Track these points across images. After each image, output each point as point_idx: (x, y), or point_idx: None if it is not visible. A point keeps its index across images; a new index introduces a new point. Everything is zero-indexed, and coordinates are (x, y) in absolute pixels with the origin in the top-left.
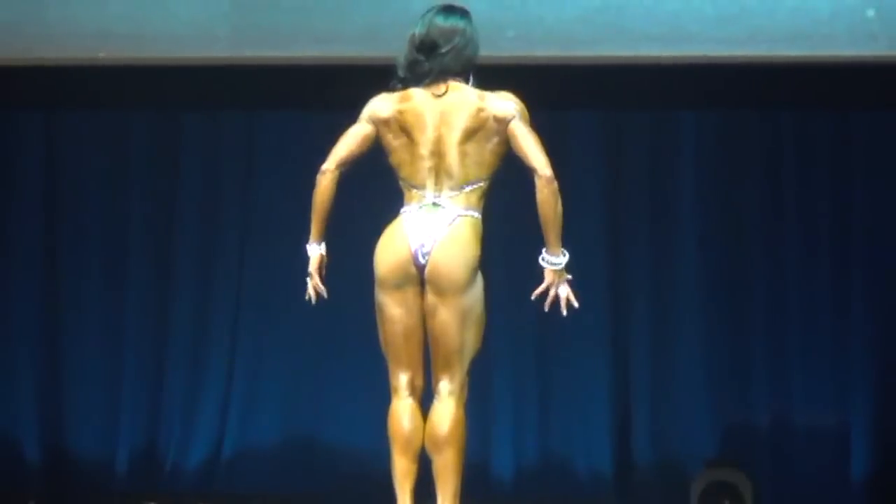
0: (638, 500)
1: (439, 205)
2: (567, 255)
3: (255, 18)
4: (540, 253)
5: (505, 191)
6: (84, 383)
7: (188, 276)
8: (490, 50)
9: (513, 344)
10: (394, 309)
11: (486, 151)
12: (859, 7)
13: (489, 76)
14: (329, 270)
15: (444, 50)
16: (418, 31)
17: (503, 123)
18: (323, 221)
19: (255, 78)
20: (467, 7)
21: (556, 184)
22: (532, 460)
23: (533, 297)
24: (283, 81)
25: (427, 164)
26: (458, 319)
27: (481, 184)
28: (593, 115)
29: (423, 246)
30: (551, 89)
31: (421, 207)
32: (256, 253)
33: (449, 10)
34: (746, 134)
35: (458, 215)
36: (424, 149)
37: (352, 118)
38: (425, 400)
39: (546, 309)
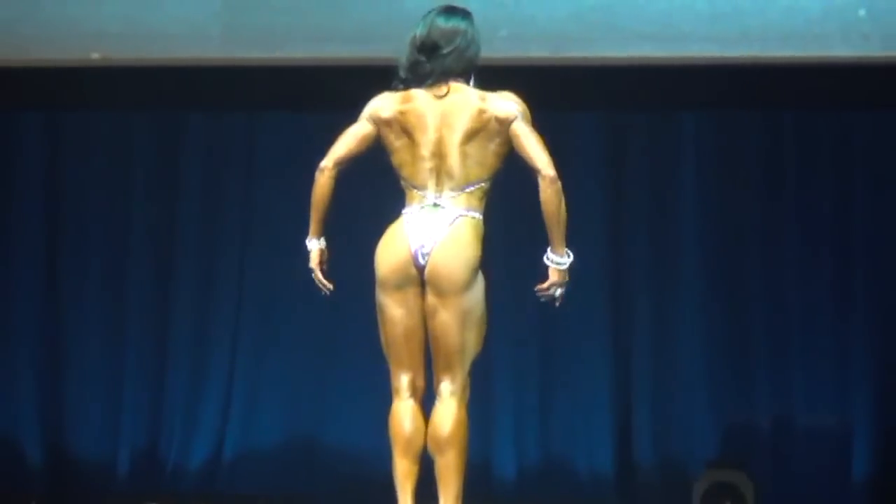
0: (639, 501)
1: (440, 205)
2: (571, 256)
3: (247, 18)
4: (543, 253)
5: (507, 191)
6: (85, 384)
7: (189, 276)
8: (483, 49)
9: (514, 345)
10: (394, 310)
11: (487, 152)
12: (851, 6)
13: (484, 75)
14: (330, 271)
15: (445, 51)
16: (419, 32)
17: (505, 124)
18: (321, 218)
19: (255, 78)
20: (468, 7)
21: (559, 183)
22: (534, 461)
23: (536, 290)
24: (282, 82)
25: (428, 164)
26: (458, 320)
27: (482, 184)
28: (594, 116)
29: (423, 247)
30: (550, 90)
31: (422, 208)
32: (257, 254)
33: (450, 11)
34: (746, 134)
35: (459, 216)
36: (426, 149)
37: (352, 118)
38: (427, 401)
39: (535, 289)
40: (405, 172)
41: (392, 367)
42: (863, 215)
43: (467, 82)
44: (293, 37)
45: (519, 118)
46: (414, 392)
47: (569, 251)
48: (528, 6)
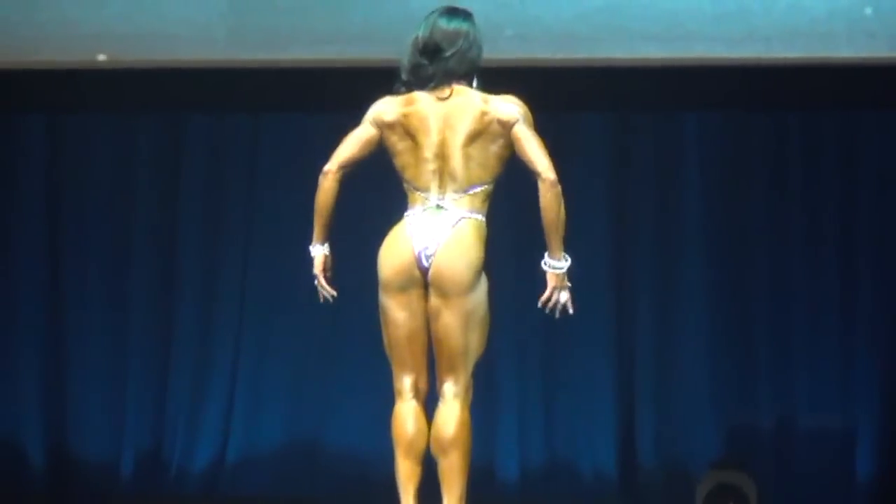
0: (642, 502)
1: (443, 207)
2: (569, 260)
3: (252, 19)
4: (543, 256)
5: (510, 193)
6: (89, 386)
7: (192, 278)
8: (488, 49)
9: (517, 346)
10: (397, 312)
11: (489, 154)
12: (857, 5)
13: (490, 76)
14: (332, 274)
15: (447, 54)
16: (421, 34)
17: (507, 127)
18: (325, 222)
19: (259, 80)
20: (470, 9)
21: (559, 187)
22: (537, 462)
23: (540, 305)
24: (286, 83)
25: (431, 166)
26: (461, 322)
27: (485, 186)
28: (599, 116)
29: (426, 248)
30: (555, 91)
31: (425, 210)
32: (260, 256)
33: (452, 13)
34: (751, 135)
35: (462, 218)
36: (428, 152)
37: (356, 119)
38: (429, 403)
39: (539, 305)
40: (408, 175)
41: (395, 369)
42: (868, 216)
43: (470, 84)
44: (298, 38)
45: (520, 121)
46: (417, 394)
47: (566, 255)
48: (533, 7)
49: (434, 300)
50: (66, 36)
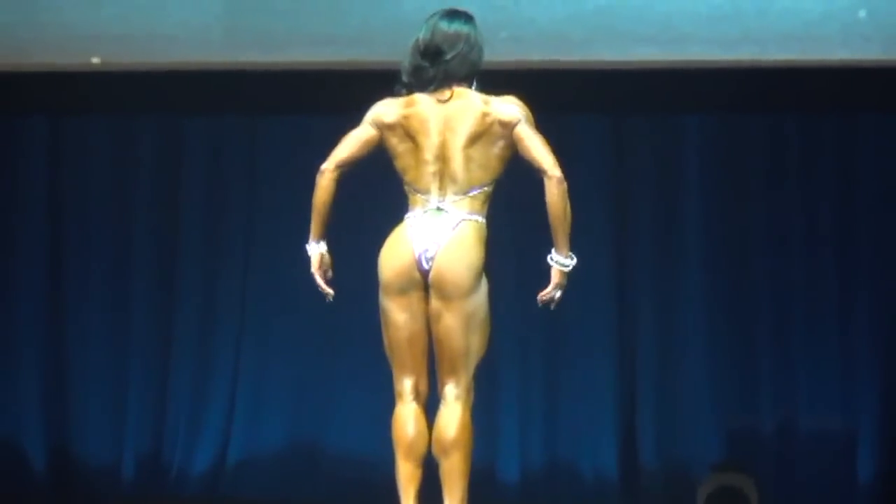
0: None
1: (443, 209)
2: (575, 259)
3: (248, 21)
4: (546, 255)
5: (511, 195)
6: (89, 388)
7: (193, 280)
8: (484, 51)
9: (518, 348)
10: (398, 314)
11: (490, 156)
12: (851, 8)
13: (484, 77)
14: (334, 276)
15: (448, 56)
16: (422, 36)
17: (508, 128)
18: (322, 221)
19: (255, 82)
20: (470, 11)
21: (565, 184)
22: (538, 465)
23: (538, 298)
24: (282, 85)
25: (431, 168)
26: (462, 324)
27: (485, 188)
28: (595, 119)
29: (426, 251)
30: (550, 93)
31: (425, 212)
32: (260, 258)
33: (453, 15)
34: (750, 137)
35: (462, 219)
36: (429, 153)
37: (353, 121)
38: (430, 405)
39: (538, 298)
40: (408, 177)
41: (395, 371)
42: (867, 218)
43: (470, 86)
44: (294, 40)
45: (522, 121)
46: (417, 396)
47: (572, 254)
48: (527, 9)
49: (435, 302)
50: (64, 37)
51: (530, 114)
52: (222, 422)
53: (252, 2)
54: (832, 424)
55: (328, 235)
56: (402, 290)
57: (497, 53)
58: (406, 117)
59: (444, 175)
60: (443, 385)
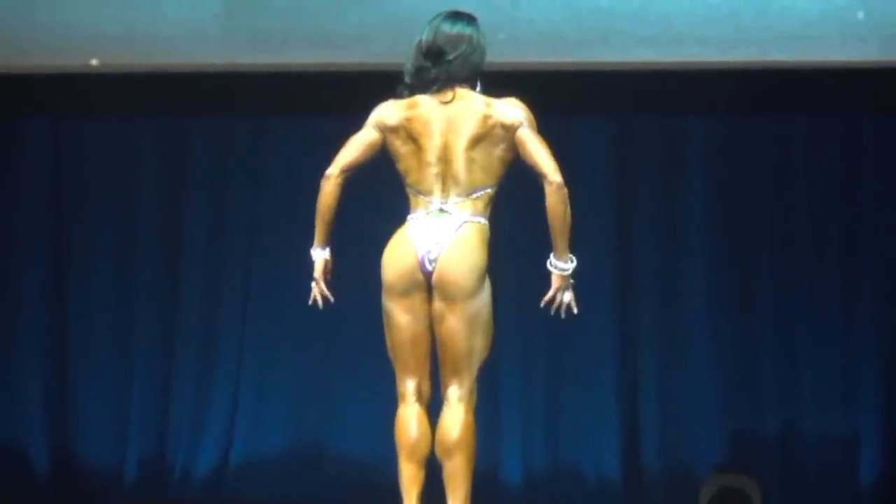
0: None
1: (446, 211)
2: (574, 261)
3: (246, 21)
4: (548, 258)
5: (514, 196)
6: (92, 390)
7: (196, 282)
8: None
9: (522, 350)
10: (401, 316)
11: (492, 158)
12: (849, 9)
13: (486, 79)
14: (336, 277)
15: (450, 57)
16: (425, 37)
17: (510, 130)
18: (327, 226)
19: (258, 82)
20: (474, 13)
21: (566, 190)
22: (541, 466)
23: (542, 304)
24: (279, 86)
25: (434, 170)
26: (465, 325)
27: (488, 190)
28: (597, 120)
29: (429, 252)
30: (549, 94)
31: (428, 214)
32: (264, 260)
33: (455, 17)
34: (754, 139)
35: (465, 221)
36: (431, 155)
37: (351, 121)
38: (433, 407)
39: (541, 305)
40: (411, 178)
41: (398, 373)
42: (870, 219)
43: (473, 88)
44: (292, 40)
45: (524, 124)
46: (420, 397)
47: (572, 256)
48: (525, 10)
49: (437, 304)
50: (63, 38)
51: (533, 117)
52: (225, 423)
53: (252, 2)
54: (835, 426)
55: (332, 241)
56: (405, 292)
57: (494, 55)
58: (409, 119)
59: (446, 177)
60: (446, 387)
